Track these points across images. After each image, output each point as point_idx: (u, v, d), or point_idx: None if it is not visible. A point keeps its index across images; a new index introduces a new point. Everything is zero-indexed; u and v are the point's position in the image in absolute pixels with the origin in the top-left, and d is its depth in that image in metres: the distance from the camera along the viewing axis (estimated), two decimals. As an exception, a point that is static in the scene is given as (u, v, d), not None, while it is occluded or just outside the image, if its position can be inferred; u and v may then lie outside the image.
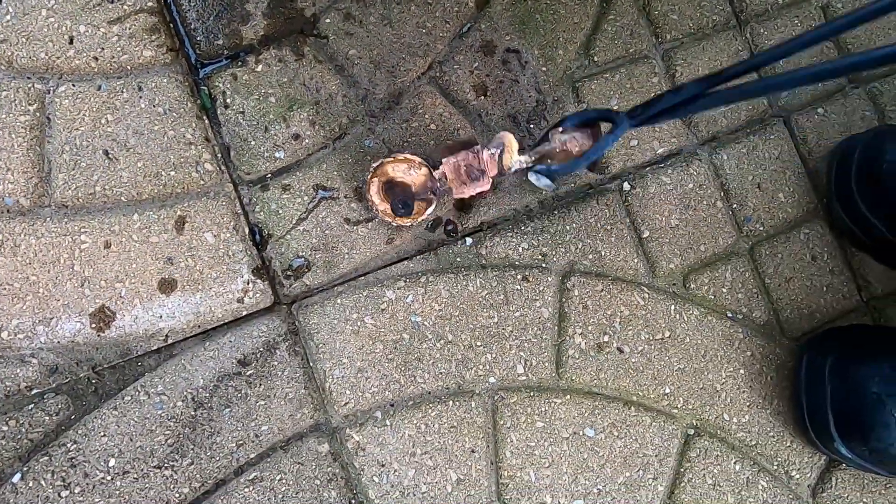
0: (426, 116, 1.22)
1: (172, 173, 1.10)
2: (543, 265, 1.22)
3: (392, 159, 1.04)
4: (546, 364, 1.20)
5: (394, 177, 0.85)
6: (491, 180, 1.09)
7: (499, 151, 1.05)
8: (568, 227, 1.27)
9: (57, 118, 1.04)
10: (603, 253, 1.26)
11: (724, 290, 1.24)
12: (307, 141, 1.15)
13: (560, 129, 0.99)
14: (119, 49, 1.09)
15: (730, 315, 1.25)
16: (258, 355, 1.11)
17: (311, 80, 1.18)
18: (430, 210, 1.08)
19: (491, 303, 1.21)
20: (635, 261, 1.28)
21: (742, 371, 1.23)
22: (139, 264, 1.06)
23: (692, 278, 1.27)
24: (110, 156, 1.06)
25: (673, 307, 1.26)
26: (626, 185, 1.31)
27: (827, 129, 1.36)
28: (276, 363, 1.11)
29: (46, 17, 1.06)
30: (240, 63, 1.14)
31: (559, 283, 1.23)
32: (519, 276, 1.22)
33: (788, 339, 1.26)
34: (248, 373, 1.08)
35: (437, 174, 1.03)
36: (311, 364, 1.12)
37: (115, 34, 1.08)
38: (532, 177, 1.05)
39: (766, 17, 1.33)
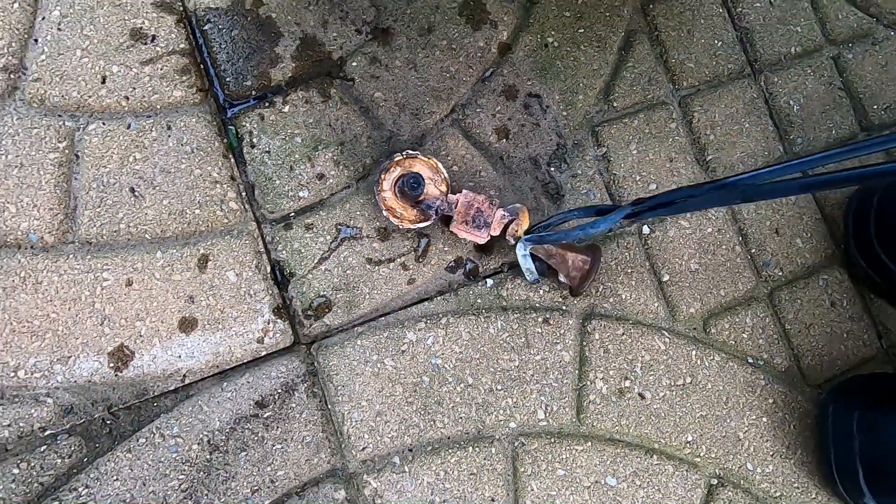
0: (449, 158, 1.14)
1: (197, 211, 1.02)
2: (564, 308, 1.13)
3: (423, 158, 0.97)
4: (567, 409, 1.09)
5: (418, 172, 0.80)
6: (489, 237, 1.02)
7: (510, 218, 1.00)
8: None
9: (86, 155, 0.98)
10: (623, 296, 1.17)
11: (745, 336, 1.15)
12: (331, 181, 1.08)
13: (567, 222, 0.96)
14: (150, 89, 1.03)
15: (751, 361, 1.15)
16: (276, 397, 1.01)
17: (336, 122, 1.11)
18: (422, 224, 1.00)
19: (512, 346, 1.11)
20: (656, 305, 1.18)
21: (765, 419, 1.11)
22: (160, 302, 0.98)
23: (713, 323, 1.17)
24: (136, 193, 0.99)
25: (694, 352, 1.15)
26: (646, 229, 1.22)
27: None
28: (294, 405, 1.01)
29: (80, 58, 1.01)
30: (267, 104, 1.07)
31: (580, 326, 1.13)
32: (540, 319, 1.13)
33: (810, 387, 1.15)
34: (265, 415, 0.98)
35: (451, 197, 0.97)
36: (330, 406, 1.02)
37: (146, 74, 1.03)
38: (522, 261, 0.99)
39: (779, 67, 1.26)
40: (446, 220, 0.99)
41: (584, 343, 1.11)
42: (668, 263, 1.17)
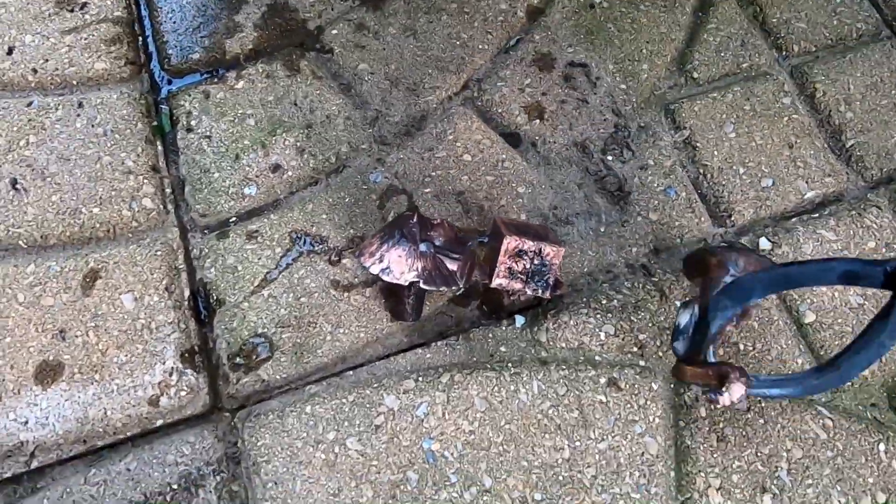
0: (457, 144, 0.77)
1: (96, 210, 0.71)
2: (641, 363, 0.65)
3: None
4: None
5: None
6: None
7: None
8: (678, 303, 0.68)
9: None
10: (741, 346, 0.66)
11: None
12: (290, 174, 0.74)
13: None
14: (67, 61, 0.78)
15: None
16: (168, 498, 0.57)
17: (304, 99, 0.80)
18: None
19: (558, 424, 0.63)
20: (799, 361, 0.67)
21: None
22: (16, 337, 0.63)
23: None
24: (18, 186, 0.70)
25: (882, 447, 0.61)
26: (765, 243, 0.75)
27: None
28: (195, 513, 0.50)
29: None
30: (216, 80, 0.78)
31: (671, 394, 0.63)
32: (603, 380, 0.64)
33: None
34: None
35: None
36: (255, 518, 0.51)
37: (65, 45, 0.78)
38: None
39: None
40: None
41: (683, 423, 0.63)
42: (810, 295, 0.70)
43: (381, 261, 0.56)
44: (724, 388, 0.51)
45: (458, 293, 0.63)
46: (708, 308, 0.51)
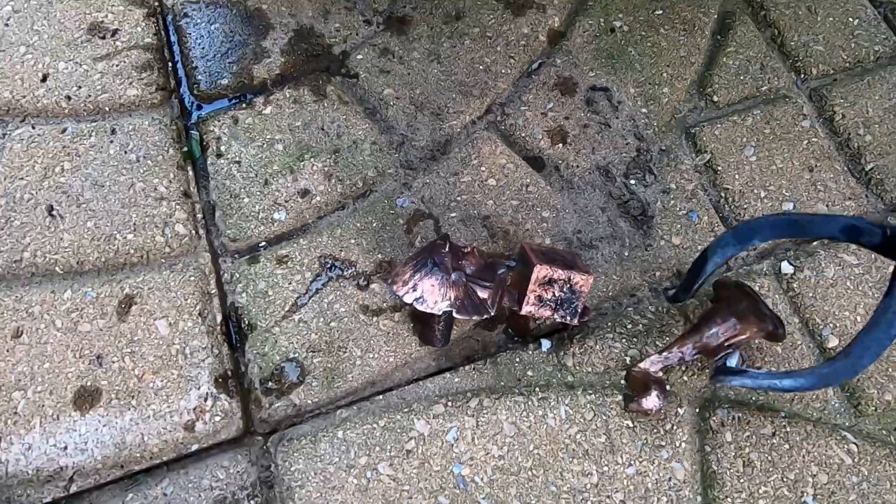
0: (482, 169, 0.79)
1: (130, 236, 0.72)
2: (667, 388, 0.64)
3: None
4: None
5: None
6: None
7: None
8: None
9: (2, 166, 0.72)
10: (767, 370, 0.67)
11: None
12: (318, 199, 0.76)
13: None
14: (99, 88, 0.79)
15: None
16: None
17: (331, 124, 0.81)
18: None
19: (586, 449, 0.65)
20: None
21: None
22: (55, 364, 0.64)
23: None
24: (54, 213, 0.72)
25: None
26: (787, 267, 0.77)
27: None
28: (231, 536, 0.51)
29: (24, 55, 0.80)
30: (244, 105, 0.80)
31: (696, 418, 0.64)
32: (630, 405, 0.64)
33: None
34: None
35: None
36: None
37: (97, 71, 0.80)
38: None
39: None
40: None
41: (709, 448, 0.64)
42: (832, 319, 0.71)
43: (414, 290, 0.57)
44: (643, 396, 0.58)
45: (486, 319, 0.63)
46: (709, 247, 0.52)
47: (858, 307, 0.68)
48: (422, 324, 0.62)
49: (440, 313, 0.56)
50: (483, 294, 0.57)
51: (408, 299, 0.56)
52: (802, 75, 0.85)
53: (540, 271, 0.57)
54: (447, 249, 0.58)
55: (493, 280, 0.58)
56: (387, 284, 0.61)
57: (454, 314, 0.56)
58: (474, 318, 0.57)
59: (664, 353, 0.59)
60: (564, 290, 0.57)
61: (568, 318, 0.59)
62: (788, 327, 0.67)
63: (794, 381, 0.49)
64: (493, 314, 0.58)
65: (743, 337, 0.57)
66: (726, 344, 0.57)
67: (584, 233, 0.71)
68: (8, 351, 0.62)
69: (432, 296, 0.56)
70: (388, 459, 0.60)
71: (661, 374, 0.60)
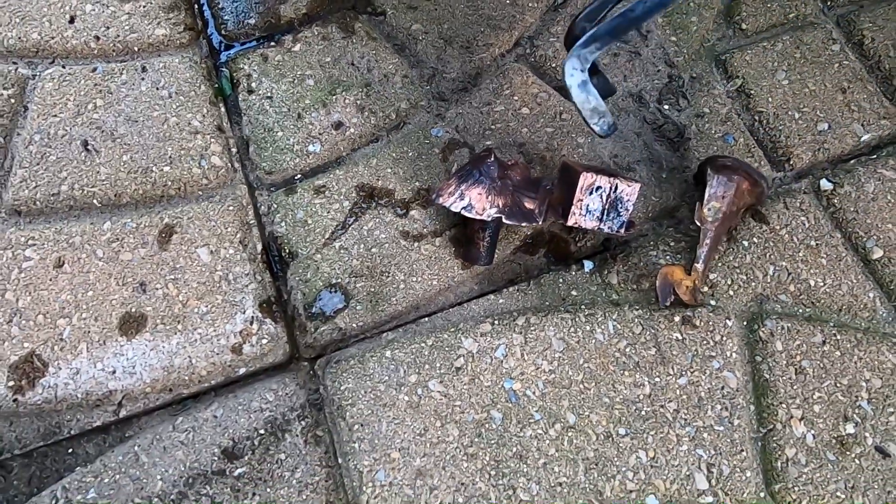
0: (515, 98, 0.79)
1: (167, 168, 0.73)
2: (713, 302, 0.66)
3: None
4: (748, 474, 0.58)
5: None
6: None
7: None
8: (745, 243, 0.71)
9: (34, 104, 0.73)
10: (812, 283, 0.70)
11: None
12: (352, 131, 0.76)
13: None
14: (127, 28, 0.80)
15: None
16: (256, 443, 0.59)
17: (361, 60, 0.81)
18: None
19: (636, 361, 0.64)
20: (870, 296, 0.69)
21: None
22: (98, 291, 0.65)
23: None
24: (90, 147, 0.72)
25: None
26: (826, 184, 0.77)
27: None
28: (283, 456, 0.59)
29: None
30: (273, 43, 0.81)
31: (744, 330, 0.65)
32: (677, 319, 0.66)
33: None
34: (237, 471, 0.57)
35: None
36: (341, 460, 0.58)
37: (125, 13, 0.80)
38: (579, 94, 0.55)
39: None
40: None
41: (759, 358, 0.65)
42: (875, 231, 0.72)
43: (461, 198, 0.57)
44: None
45: (529, 234, 0.63)
46: None
47: (900, 219, 0.67)
48: (465, 241, 0.62)
49: (489, 219, 0.56)
50: (530, 205, 0.57)
51: (455, 207, 0.55)
52: (829, 2, 0.85)
53: (586, 178, 0.57)
54: (493, 160, 0.58)
55: (539, 192, 0.58)
56: (432, 198, 0.61)
57: (504, 220, 0.56)
58: (523, 224, 0.56)
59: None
60: (611, 197, 0.58)
61: (615, 227, 0.59)
62: (830, 241, 0.68)
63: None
64: (540, 223, 0.58)
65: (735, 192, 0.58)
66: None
67: (621, 157, 0.71)
68: (51, 280, 0.62)
69: (480, 203, 0.55)
70: (438, 376, 0.60)
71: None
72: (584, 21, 0.55)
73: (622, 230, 0.60)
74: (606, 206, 0.57)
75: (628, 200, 0.60)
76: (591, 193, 0.58)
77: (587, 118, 0.51)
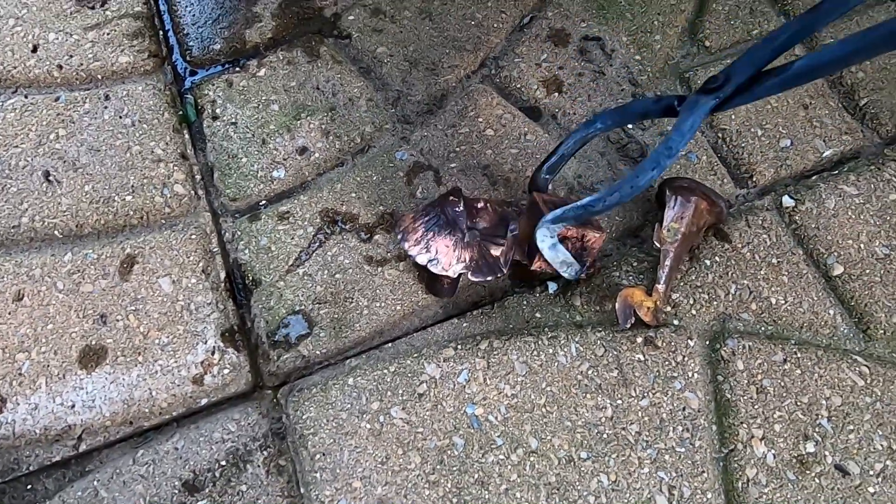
0: (479, 120, 0.80)
1: (129, 198, 0.73)
2: (676, 322, 0.66)
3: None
4: (709, 495, 0.58)
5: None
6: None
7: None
8: (708, 262, 0.71)
9: None
10: (773, 301, 0.70)
11: None
12: (317, 155, 0.77)
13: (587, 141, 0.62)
14: (91, 56, 0.80)
15: None
16: (217, 474, 0.59)
17: (326, 84, 0.82)
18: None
19: (599, 384, 0.65)
20: (831, 313, 0.70)
21: None
22: (58, 324, 0.64)
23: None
24: (51, 178, 0.72)
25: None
26: (788, 200, 0.78)
27: None
28: (244, 488, 0.59)
29: (13, 27, 0.81)
30: (238, 68, 0.81)
31: (706, 349, 0.65)
32: (640, 340, 0.66)
33: None
34: None
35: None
36: (304, 490, 0.58)
37: (88, 41, 0.81)
38: (551, 254, 0.62)
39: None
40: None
41: (721, 377, 0.65)
42: (836, 248, 0.73)
43: (427, 250, 0.56)
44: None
45: (500, 279, 0.62)
46: (567, 136, 0.58)
47: (861, 235, 0.69)
48: (430, 276, 0.61)
49: (455, 276, 0.56)
50: (496, 252, 0.56)
51: (421, 260, 0.55)
52: (791, 18, 0.84)
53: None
54: (461, 208, 0.56)
55: (506, 237, 0.57)
56: (397, 238, 0.60)
57: (469, 277, 0.55)
58: (489, 279, 0.56)
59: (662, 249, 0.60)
60: (577, 246, 0.57)
61: (578, 273, 0.60)
62: (792, 258, 0.68)
63: (597, 195, 0.53)
64: (506, 273, 0.57)
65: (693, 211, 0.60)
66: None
67: (585, 177, 0.72)
68: (10, 314, 0.62)
69: (447, 257, 0.55)
70: (400, 403, 0.60)
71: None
72: (546, 173, 0.63)
73: (583, 275, 0.61)
74: (572, 254, 0.57)
75: (593, 248, 0.59)
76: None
77: (558, 268, 0.60)
